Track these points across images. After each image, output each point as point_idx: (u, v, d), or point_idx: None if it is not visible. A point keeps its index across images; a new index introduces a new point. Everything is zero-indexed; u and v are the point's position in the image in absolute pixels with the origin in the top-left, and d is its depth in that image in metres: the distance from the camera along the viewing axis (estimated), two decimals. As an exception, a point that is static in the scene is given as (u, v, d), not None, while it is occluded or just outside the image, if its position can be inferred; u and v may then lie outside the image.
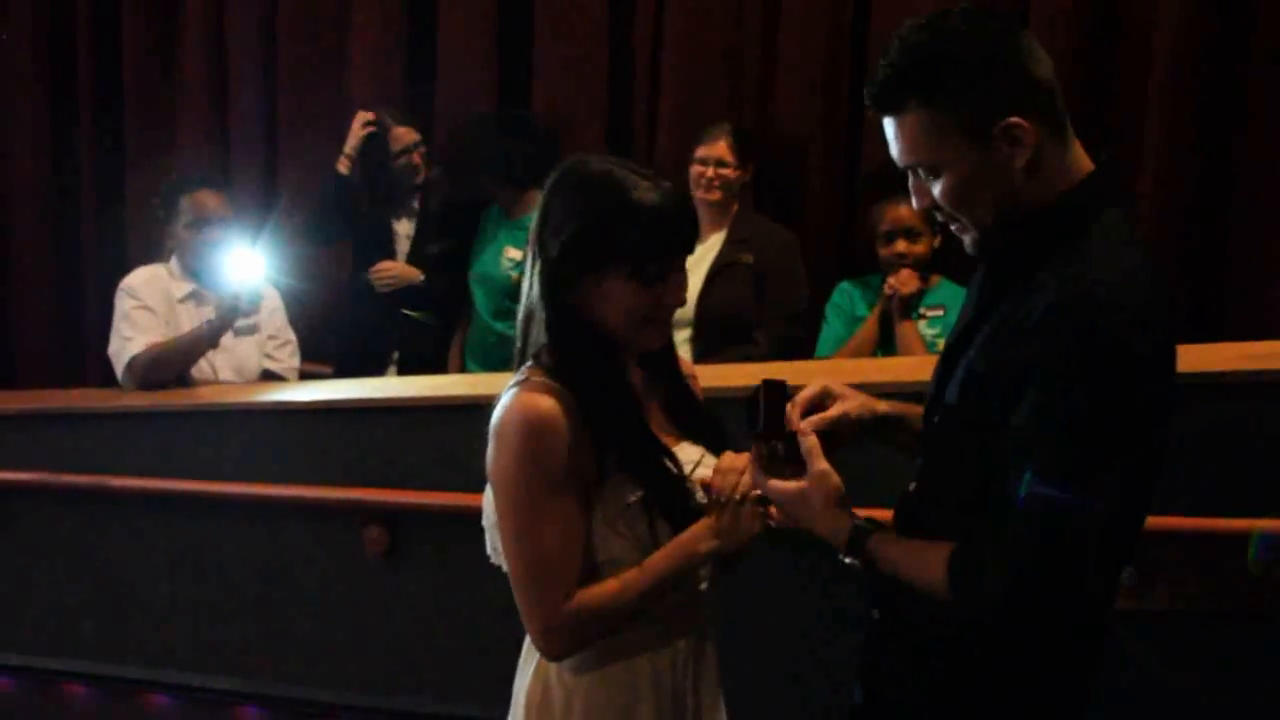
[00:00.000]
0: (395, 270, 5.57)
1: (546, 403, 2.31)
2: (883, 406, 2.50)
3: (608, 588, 2.33)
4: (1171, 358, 2.16)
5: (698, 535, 2.35)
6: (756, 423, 2.32)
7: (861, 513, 2.30)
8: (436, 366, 5.58)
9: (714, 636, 2.59)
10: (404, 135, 5.60)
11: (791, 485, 2.30)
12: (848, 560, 2.28)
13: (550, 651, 2.39)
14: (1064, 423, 2.02)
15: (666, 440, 2.46)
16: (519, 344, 2.48)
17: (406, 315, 5.61)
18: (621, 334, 2.40)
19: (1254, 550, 3.19)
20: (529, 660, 2.52)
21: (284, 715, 4.75)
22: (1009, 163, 2.15)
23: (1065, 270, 2.08)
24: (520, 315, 2.47)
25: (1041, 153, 2.16)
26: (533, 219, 2.43)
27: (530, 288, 2.43)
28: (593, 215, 2.34)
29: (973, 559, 2.11)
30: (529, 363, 2.43)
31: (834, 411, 2.43)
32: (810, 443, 2.30)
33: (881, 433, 2.51)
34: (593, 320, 2.38)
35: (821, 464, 2.29)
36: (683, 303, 2.42)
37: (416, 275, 5.58)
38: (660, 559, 2.34)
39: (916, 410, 2.47)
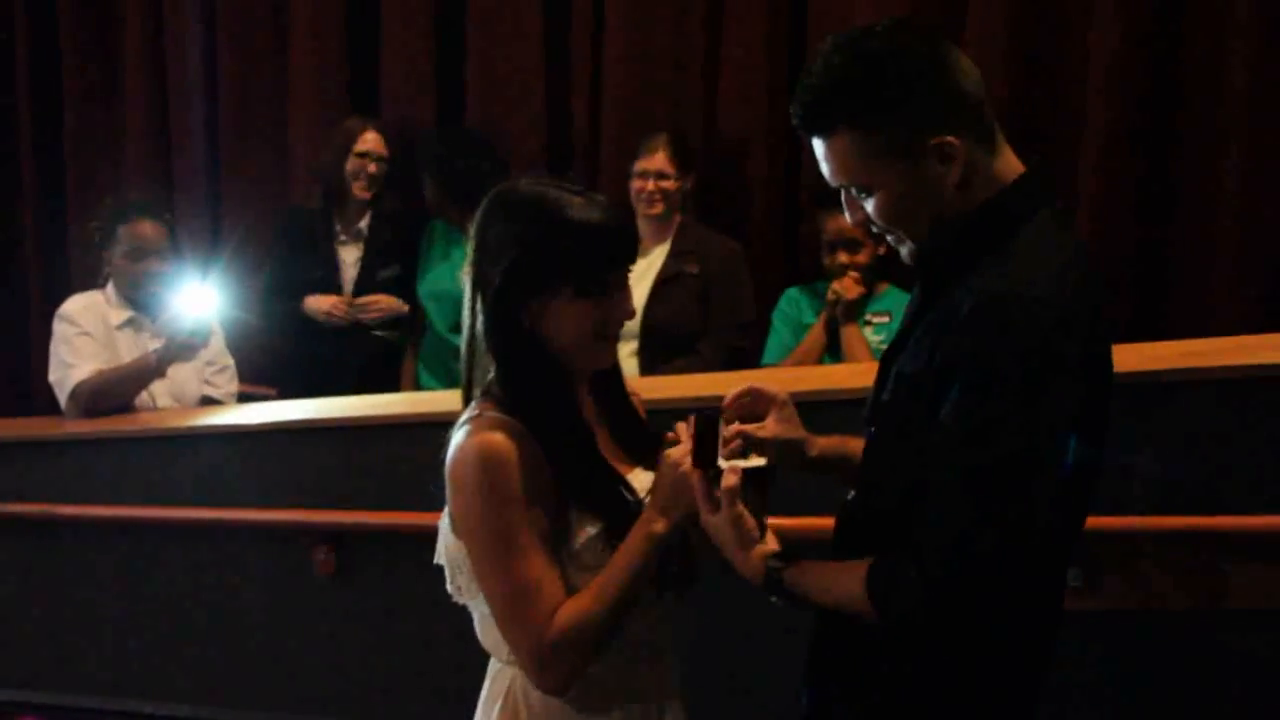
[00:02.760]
0: (383, 303, 5.54)
1: (501, 437, 2.28)
2: (814, 449, 2.50)
3: (586, 595, 2.28)
4: (1099, 356, 2.16)
5: (647, 519, 2.30)
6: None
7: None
8: (395, 387, 5.55)
9: (672, 649, 2.56)
10: (371, 141, 5.54)
11: (710, 520, 2.28)
12: (773, 600, 2.27)
13: (548, 681, 2.32)
14: (986, 425, 2.00)
15: (620, 467, 2.44)
16: (465, 377, 2.45)
17: (378, 337, 5.59)
18: (573, 355, 2.38)
19: None
20: (494, 698, 2.47)
21: (236, 740, 4.73)
22: (940, 179, 2.15)
23: (991, 271, 2.07)
24: (463, 349, 2.44)
25: (972, 164, 2.16)
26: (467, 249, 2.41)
27: (472, 320, 2.40)
28: (532, 239, 2.30)
29: (890, 573, 2.09)
30: (477, 398, 2.41)
31: (762, 432, 2.45)
32: (727, 483, 2.26)
33: (817, 469, 2.51)
34: (543, 346, 2.35)
35: (734, 508, 2.26)
36: (632, 314, 2.41)
37: (402, 306, 5.56)
38: (622, 553, 2.30)
39: (855, 443, 2.46)
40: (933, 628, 2.11)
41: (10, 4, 6.65)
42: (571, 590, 2.31)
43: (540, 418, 2.33)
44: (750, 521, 2.28)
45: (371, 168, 5.54)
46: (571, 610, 2.27)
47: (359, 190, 5.56)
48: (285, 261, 5.64)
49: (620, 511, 2.34)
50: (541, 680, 2.33)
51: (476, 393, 2.42)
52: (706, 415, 2.30)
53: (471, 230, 2.40)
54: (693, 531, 2.36)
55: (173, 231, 5.08)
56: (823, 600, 2.22)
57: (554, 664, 2.29)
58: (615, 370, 2.53)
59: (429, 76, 5.87)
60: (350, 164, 5.53)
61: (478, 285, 2.38)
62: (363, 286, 5.61)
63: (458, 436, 2.34)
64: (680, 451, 2.31)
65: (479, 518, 2.30)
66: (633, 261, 2.41)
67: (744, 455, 2.37)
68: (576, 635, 2.27)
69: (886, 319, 4.68)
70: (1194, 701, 3.38)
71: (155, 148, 6.43)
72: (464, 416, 2.38)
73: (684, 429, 2.35)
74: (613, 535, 2.33)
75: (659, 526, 2.29)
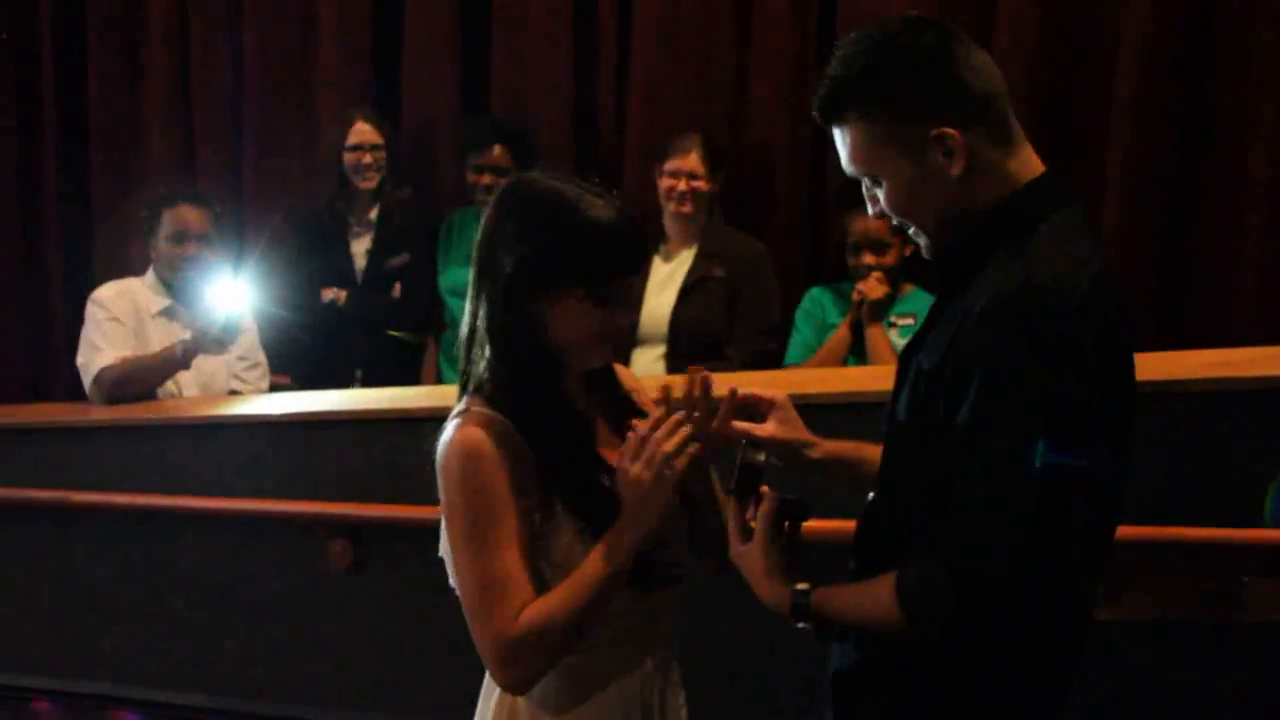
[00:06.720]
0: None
1: (482, 434, 2.28)
2: (819, 451, 2.50)
3: (553, 597, 2.27)
4: (1116, 351, 2.13)
5: (616, 530, 2.29)
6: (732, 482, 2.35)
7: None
8: (405, 384, 5.54)
9: (677, 653, 2.56)
10: (362, 132, 5.59)
11: (739, 549, 2.32)
12: (799, 625, 2.26)
13: (508, 678, 2.32)
14: (1006, 418, 2.00)
15: (614, 456, 2.40)
16: (462, 367, 2.43)
17: (393, 337, 5.62)
18: (575, 353, 2.38)
19: (1270, 503, 3.18)
20: (492, 690, 2.47)
21: (249, 731, 4.73)
22: (944, 171, 2.16)
23: (1006, 268, 2.08)
24: (463, 339, 2.42)
25: (980, 159, 2.17)
26: (476, 240, 2.40)
27: (475, 311, 2.38)
28: (548, 236, 2.30)
29: (920, 579, 2.07)
30: (469, 393, 2.39)
31: (762, 433, 2.45)
32: (762, 511, 2.30)
33: (824, 471, 2.51)
34: (544, 343, 2.34)
35: (766, 537, 2.29)
36: (635, 320, 2.41)
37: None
38: (591, 561, 2.28)
39: (870, 449, 2.45)
40: (966, 631, 2.07)
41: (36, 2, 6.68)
42: (548, 585, 2.30)
43: (529, 414, 2.33)
44: (782, 552, 2.30)
45: (366, 158, 5.59)
46: (536, 612, 2.26)
47: (360, 181, 5.61)
48: (302, 257, 5.67)
49: (603, 510, 2.32)
50: (501, 678, 2.32)
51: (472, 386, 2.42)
52: (751, 443, 2.32)
53: (483, 220, 2.40)
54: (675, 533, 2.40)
55: (218, 221, 5.14)
56: (852, 618, 2.21)
57: (514, 663, 2.29)
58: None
59: (453, 71, 5.89)
60: (347, 158, 5.59)
61: (484, 276, 2.36)
62: (372, 275, 5.65)
63: (446, 431, 2.34)
64: (630, 460, 2.29)
65: (456, 509, 2.30)
66: (644, 267, 2.40)
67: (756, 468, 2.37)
68: (538, 638, 2.26)
69: (911, 321, 4.65)
70: (1212, 714, 3.36)
71: (179, 138, 6.44)
72: (454, 411, 2.38)
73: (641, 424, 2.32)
74: (595, 533, 2.31)
75: (626, 538, 2.28)
